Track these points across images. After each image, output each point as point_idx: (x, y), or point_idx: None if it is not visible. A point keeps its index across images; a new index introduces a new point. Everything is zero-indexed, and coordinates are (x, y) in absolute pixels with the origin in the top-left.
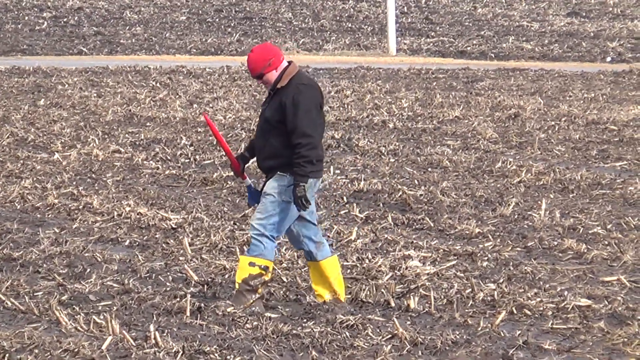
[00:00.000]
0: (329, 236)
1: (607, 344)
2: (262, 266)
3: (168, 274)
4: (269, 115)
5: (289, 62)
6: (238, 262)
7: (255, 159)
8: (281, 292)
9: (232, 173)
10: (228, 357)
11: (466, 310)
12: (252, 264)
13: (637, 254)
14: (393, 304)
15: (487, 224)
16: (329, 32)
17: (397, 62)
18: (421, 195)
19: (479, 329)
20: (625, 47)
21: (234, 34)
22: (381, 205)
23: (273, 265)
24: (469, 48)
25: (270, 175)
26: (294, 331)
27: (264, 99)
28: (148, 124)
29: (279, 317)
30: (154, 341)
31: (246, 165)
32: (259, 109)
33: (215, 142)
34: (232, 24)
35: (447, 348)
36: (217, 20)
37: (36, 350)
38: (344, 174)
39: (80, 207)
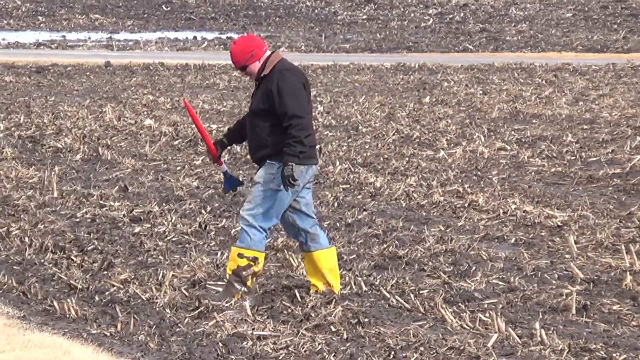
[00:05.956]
0: None
1: None
2: (251, 257)
3: (554, 271)
4: (254, 106)
5: (272, 52)
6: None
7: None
8: None
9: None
10: (614, 354)
11: None
12: (240, 255)
13: None
14: None
15: None
16: None
17: None
18: None
19: None
20: None
21: (620, 31)
22: None
23: (264, 256)
24: None
25: (261, 166)
26: None
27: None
28: (534, 121)
29: None
30: (539, 339)
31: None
32: None
33: (194, 127)
34: (618, 21)
35: None
36: (602, 17)
37: (421, 348)
38: None
39: (466, 204)
